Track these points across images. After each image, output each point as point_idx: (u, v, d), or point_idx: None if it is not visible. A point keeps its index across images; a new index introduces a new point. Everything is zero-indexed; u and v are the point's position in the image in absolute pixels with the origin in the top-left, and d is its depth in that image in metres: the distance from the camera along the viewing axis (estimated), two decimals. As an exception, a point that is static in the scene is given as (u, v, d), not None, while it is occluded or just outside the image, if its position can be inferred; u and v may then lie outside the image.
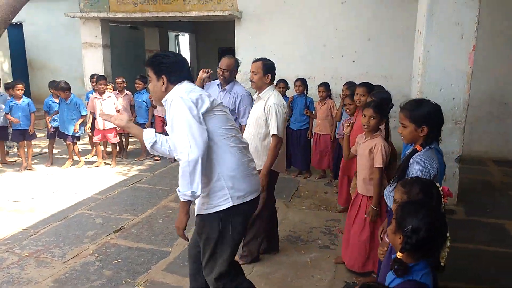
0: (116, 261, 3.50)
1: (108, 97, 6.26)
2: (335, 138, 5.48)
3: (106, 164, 6.55)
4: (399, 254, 1.50)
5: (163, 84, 2.21)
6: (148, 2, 8.49)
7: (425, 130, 2.22)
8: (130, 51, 12.08)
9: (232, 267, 2.32)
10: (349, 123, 3.49)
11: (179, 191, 2.09)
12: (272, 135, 3.17)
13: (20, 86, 6.09)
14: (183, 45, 15.38)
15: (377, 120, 3.10)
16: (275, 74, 3.37)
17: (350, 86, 5.01)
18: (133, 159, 6.86)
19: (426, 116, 2.23)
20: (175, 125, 2.07)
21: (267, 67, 3.28)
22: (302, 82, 6.08)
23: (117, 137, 6.54)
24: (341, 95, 5.42)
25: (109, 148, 6.98)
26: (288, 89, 6.27)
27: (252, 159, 2.39)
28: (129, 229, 4.16)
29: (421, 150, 2.21)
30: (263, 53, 7.73)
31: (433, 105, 2.28)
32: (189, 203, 2.13)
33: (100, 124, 6.20)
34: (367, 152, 3.11)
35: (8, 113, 6.02)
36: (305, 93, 6.12)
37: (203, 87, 4.21)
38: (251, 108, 3.86)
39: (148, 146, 2.20)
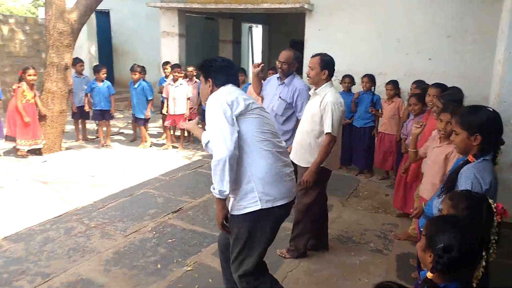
0: (170, 240, 3.71)
1: (180, 84, 6.57)
2: (400, 138, 5.24)
3: (173, 147, 6.92)
4: (429, 274, 1.40)
5: (209, 86, 2.37)
6: (224, -7, 8.70)
7: (479, 139, 2.04)
8: (206, 41, 12.50)
9: (259, 267, 2.34)
10: (421, 124, 3.29)
11: (213, 189, 2.18)
12: (326, 133, 3.12)
13: (104, 70, 6.61)
14: (256, 36, 15.54)
15: None
16: (334, 70, 3.30)
17: (420, 85, 4.75)
18: (199, 144, 7.16)
19: (480, 123, 2.04)
20: (210, 124, 2.18)
21: (325, 63, 3.22)
22: (370, 78, 5.88)
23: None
24: (409, 94, 5.16)
25: (177, 133, 7.34)
26: (354, 84, 6.12)
27: (288, 164, 2.36)
28: (186, 211, 4.38)
29: (473, 161, 2.05)
30: (333, 47, 7.73)
31: (490, 112, 2.08)
32: (222, 199, 2.23)
33: (171, 109, 6.53)
34: (443, 158, 2.94)
35: (87, 94, 6.57)
36: (372, 89, 5.92)
37: (260, 82, 4.27)
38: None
39: (203, 145, 2.31)
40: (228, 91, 2.27)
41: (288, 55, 4.00)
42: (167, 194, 4.85)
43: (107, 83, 6.71)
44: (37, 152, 5.98)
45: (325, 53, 3.36)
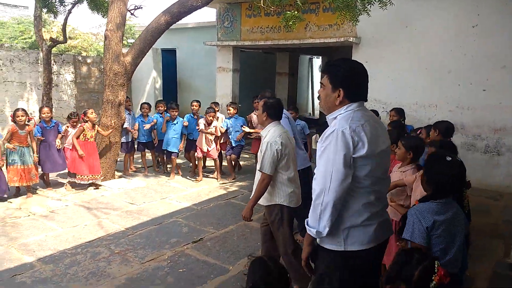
0: (181, 270, 3.90)
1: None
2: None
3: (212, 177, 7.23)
4: None
5: (338, 97, 2.08)
6: (273, 31, 9.07)
7: (424, 179, 2.10)
8: (263, 74, 12.95)
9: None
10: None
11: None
12: (259, 171, 3.24)
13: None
14: (316, 67, 15.69)
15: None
16: (278, 111, 3.41)
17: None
18: (238, 174, 7.39)
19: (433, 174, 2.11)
20: (322, 159, 2.01)
21: (266, 106, 3.38)
22: (397, 112, 5.72)
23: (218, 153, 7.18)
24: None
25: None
26: (403, 118, 5.84)
27: None
28: (206, 241, 4.56)
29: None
30: (380, 79, 7.64)
31: (448, 162, 2.07)
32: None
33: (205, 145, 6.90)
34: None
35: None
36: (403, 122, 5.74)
37: None
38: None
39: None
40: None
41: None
42: (193, 223, 5.09)
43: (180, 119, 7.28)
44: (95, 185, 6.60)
45: (271, 97, 3.61)
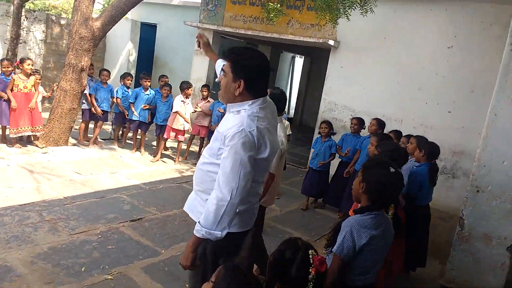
0: (110, 247, 3.75)
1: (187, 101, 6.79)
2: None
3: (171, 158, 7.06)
4: None
5: (238, 87, 1.99)
6: (256, 21, 8.91)
7: (364, 187, 1.96)
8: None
9: None
10: None
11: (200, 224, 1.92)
12: None
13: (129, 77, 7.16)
14: (297, 66, 15.65)
15: None
16: (283, 105, 3.31)
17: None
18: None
19: (374, 180, 1.97)
20: (229, 158, 1.90)
21: (272, 98, 3.18)
22: (378, 122, 5.63)
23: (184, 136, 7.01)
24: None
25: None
26: (363, 128, 5.84)
27: None
28: (144, 222, 4.41)
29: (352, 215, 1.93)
30: (352, 85, 7.62)
31: (387, 172, 1.97)
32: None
33: (176, 123, 6.74)
34: None
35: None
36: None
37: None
38: None
39: None
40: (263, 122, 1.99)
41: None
42: (137, 202, 4.92)
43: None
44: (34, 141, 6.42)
45: (277, 87, 3.45)
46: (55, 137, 6.47)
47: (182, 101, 6.75)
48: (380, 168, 1.97)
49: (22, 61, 6.09)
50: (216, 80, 2.45)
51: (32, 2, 14.96)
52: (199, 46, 2.91)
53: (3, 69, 5.86)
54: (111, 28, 6.56)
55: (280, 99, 3.21)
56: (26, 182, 4.93)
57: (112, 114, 7.45)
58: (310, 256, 1.60)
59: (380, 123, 5.58)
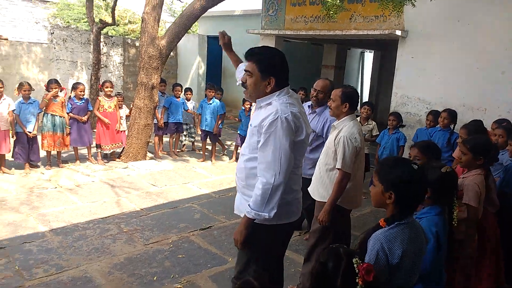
0: (181, 256, 3.88)
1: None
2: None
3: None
4: None
5: (269, 85, 2.20)
6: (317, 20, 8.76)
7: (392, 197, 1.73)
8: (309, 66, 12.62)
9: None
10: None
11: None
12: (338, 169, 2.99)
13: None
14: (368, 62, 15.05)
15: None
16: (356, 103, 3.16)
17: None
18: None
19: (396, 180, 1.74)
20: (269, 145, 2.11)
21: (346, 96, 3.10)
22: (449, 114, 5.19)
23: None
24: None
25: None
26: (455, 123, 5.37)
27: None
28: (213, 230, 4.51)
29: (384, 226, 1.73)
30: (426, 76, 7.16)
31: (411, 169, 1.74)
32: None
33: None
34: None
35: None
36: (451, 127, 5.23)
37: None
38: None
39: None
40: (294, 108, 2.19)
41: (324, 84, 3.96)
42: (207, 211, 5.06)
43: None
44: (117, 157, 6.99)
45: (348, 85, 3.29)
46: (134, 152, 6.92)
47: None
48: (402, 167, 1.75)
49: (103, 84, 6.72)
50: (238, 82, 2.54)
51: (113, 29, 16.38)
52: (219, 44, 2.95)
53: (78, 93, 6.42)
54: (176, 44, 6.88)
55: (351, 96, 3.11)
56: (108, 196, 5.33)
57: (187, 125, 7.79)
58: (355, 265, 1.47)
59: (452, 115, 5.13)
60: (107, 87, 6.63)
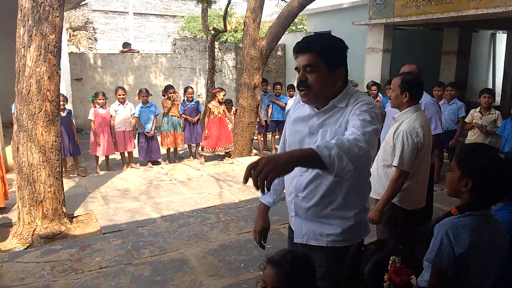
0: (268, 246, 3.98)
1: None
2: None
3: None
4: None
5: (338, 78, 1.82)
6: (430, 3, 8.07)
7: (469, 184, 1.55)
8: (424, 53, 11.64)
9: None
10: None
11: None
12: (394, 166, 2.80)
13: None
14: (501, 45, 13.18)
15: None
16: (420, 92, 2.88)
17: None
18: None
19: (475, 166, 1.56)
20: (369, 121, 1.68)
21: (406, 84, 2.86)
22: None
23: None
24: None
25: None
26: None
27: None
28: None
29: (456, 214, 1.57)
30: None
31: (496, 157, 1.53)
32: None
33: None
34: None
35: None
36: None
37: None
38: (438, 116, 3.56)
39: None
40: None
41: (411, 69, 3.68)
42: (301, 205, 5.13)
43: None
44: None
45: (410, 72, 2.99)
46: (239, 149, 7.37)
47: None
48: (485, 153, 1.56)
49: (214, 94, 7.26)
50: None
51: (232, 35, 17.52)
52: None
53: (187, 96, 7.07)
54: (276, 44, 7.11)
55: (413, 84, 2.86)
56: (212, 189, 5.80)
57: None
58: (390, 262, 1.41)
59: None
60: (218, 94, 7.07)
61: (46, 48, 4.03)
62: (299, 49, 1.82)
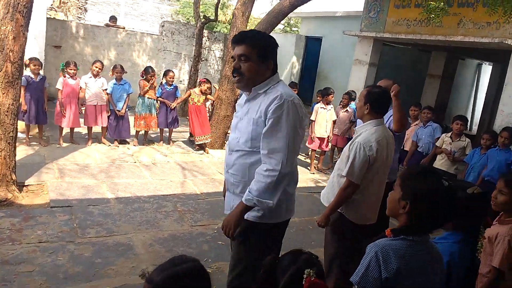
0: (221, 242, 3.94)
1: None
2: None
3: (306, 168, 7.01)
4: None
5: (268, 69, 2.11)
6: (420, 24, 8.11)
7: (407, 207, 1.49)
8: (410, 73, 11.76)
9: None
10: None
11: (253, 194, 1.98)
12: (343, 176, 2.74)
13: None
14: (484, 75, 13.45)
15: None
16: (382, 105, 2.83)
17: None
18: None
19: (415, 189, 1.51)
20: (279, 129, 1.99)
21: (370, 96, 2.81)
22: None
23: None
24: None
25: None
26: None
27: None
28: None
29: (390, 236, 1.50)
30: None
31: (438, 184, 1.48)
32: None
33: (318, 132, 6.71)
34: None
35: None
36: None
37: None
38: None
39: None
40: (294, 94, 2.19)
41: (387, 85, 3.62)
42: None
43: None
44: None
45: (379, 86, 2.95)
46: (212, 141, 7.23)
47: (322, 107, 6.67)
48: (428, 179, 1.50)
49: (200, 83, 7.10)
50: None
51: (225, 27, 17.31)
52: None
53: (168, 79, 6.91)
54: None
55: (377, 98, 2.79)
56: (176, 177, 5.66)
57: None
58: (304, 276, 1.34)
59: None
60: (204, 84, 6.92)
61: (15, 7, 3.81)
62: (237, 40, 2.10)
